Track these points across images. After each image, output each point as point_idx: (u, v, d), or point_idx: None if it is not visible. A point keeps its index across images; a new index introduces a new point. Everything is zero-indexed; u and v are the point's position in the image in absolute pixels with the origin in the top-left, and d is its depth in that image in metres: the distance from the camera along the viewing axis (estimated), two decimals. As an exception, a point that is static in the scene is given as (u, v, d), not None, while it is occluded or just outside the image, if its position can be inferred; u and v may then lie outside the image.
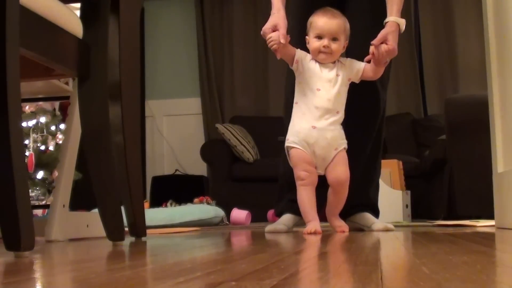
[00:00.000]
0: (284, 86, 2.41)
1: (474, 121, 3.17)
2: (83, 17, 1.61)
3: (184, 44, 5.90)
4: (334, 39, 2.03)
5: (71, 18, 1.51)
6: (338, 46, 2.03)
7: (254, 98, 5.61)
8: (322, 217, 2.33)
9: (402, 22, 2.04)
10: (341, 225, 2.07)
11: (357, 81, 2.10)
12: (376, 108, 2.27)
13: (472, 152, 3.28)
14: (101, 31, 1.61)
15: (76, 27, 1.54)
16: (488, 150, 2.22)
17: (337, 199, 2.07)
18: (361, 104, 2.17)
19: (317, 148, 2.02)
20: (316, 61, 2.06)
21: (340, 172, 2.04)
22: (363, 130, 2.23)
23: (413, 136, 5.01)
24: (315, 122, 2.02)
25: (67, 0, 1.65)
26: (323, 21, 2.03)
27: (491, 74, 2.17)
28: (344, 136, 2.07)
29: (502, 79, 2.10)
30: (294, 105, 2.09)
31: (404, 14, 2.07)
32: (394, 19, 2.02)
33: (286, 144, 2.08)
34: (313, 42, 2.05)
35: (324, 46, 2.02)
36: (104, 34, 1.61)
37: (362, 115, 2.22)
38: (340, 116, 2.05)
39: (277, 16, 2.04)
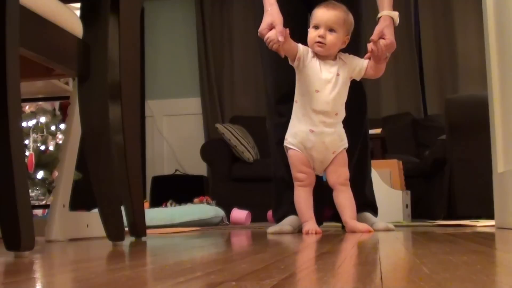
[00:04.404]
0: (265, 88, 2.36)
1: (474, 121, 3.17)
2: (83, 17, 1.61)
3: (184, 44, 5.90)
4: (331, 30, 1.97)
5: (71, 18, 1.51)
6: (334, 39, 1.97)
7: (254, 98, 5.61)
8: (323, 218, 2.33)
9: (396, 15, 2.00)
10: (364, 227, 1.98)
11: (358, 79, 2.06)
12: (363, 104, 2.25)
13: (472, 152, 3.28)
14: (101, 31, 1.61)
15: (76, 27, 1.54)
16: (488, 150, 2.22)
17: (344, 199, 2.02)
18: (348, 103, 2.07)
19: (314, 152, 2.01)
20: (318, 58, 2.00)
21: (339, 173, 2.02)
22: (353, 128, 2.15)
23: (413, 136, 5.01)
24: (313, 125, 1.99)
25: (67, 0, 1.65)
26: (321, 11, 1.98)
27: (491, 74, 2.17)
28: (344, 137, 2.04)
29: (502, 79, 2.10)
30: (294, 104, 2.06)
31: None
32: (387, 13, 1.99)
33: (285, 143, 2.07)
34: (310, 33, 2.00)
35: (319, 36, 1.96)
36: (104, 34, 1.61)
37: (350, 114, 2.12)
38: (340, 116, 2.02)
39: (271, 13, 1.97)
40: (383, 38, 1.95)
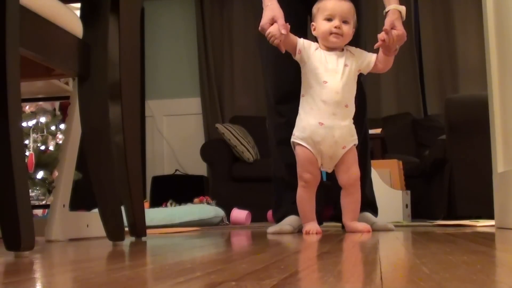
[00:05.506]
0: (265, 88, 2.36)
1: (474, 121, 3.17)
2: (83, 17, 1.61)
3: (184, 44, 5.90)
4: (345, 21, 1.96)
5: (71, 18, 1.51)
6: (349, 30, 1.97)
7: (254, 98, 5.61)
8: (323, 218, 2.33)
9: (403, 9, 1.98)
10: (364, 226, 1.98)
11: (365, 73, 2.04)
12: (364, 103, 2.24)
13: (472, 152, 3.28)
14: (101, 31, 1.61)
15: (76, 27, 1.54)
16: (488, 150, 2.22)
17: (351, 201, 2.01)
18: None
19: (323, 147, 1.95)
20: (323, 50, 1.99)
21: (350, 173, 1.99)
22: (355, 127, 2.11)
23: (413, 136, 5.01)
24: (323, 118, 1.94)
25: (67, 0, 1.65)
26: (333, 3, 1.96)
27: (491, 74, 2.17)
28: (354, 132, 2.00)
29: (502, 79, 2.10)
30: (301, 98, 2.01)
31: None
32: (394, 7, 1.97)
33: (292, 139, 2.01)
34: (322, 25, 1.97)
35: (335, 27, 1.94)
36: (104, 34, 1.61)
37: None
38: (350, 110, 1.98)
39: (271, 8, 1.96)
40: (394, 29, 1.94)
